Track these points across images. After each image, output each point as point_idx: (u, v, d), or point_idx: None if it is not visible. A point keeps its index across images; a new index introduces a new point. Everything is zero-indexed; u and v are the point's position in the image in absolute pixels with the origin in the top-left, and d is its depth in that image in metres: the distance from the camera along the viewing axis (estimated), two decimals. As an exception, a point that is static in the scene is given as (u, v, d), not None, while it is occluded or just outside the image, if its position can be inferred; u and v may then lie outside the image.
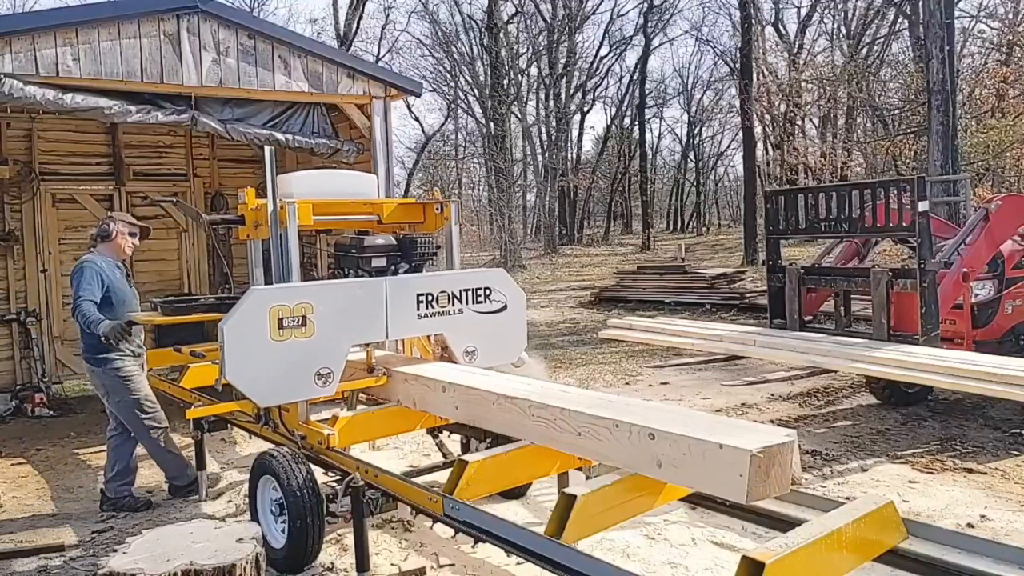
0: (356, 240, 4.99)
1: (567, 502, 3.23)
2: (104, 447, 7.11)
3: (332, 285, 4.59)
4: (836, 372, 8.24)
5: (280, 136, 7.75)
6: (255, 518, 4.45)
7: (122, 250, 5.58)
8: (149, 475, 6.32)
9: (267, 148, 4.77)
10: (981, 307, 7.14)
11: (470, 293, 4.80)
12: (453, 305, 4.74)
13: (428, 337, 5.09)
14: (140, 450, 5.65)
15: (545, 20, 35.49)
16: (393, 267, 4.92)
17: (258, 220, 4.86)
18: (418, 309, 4.61)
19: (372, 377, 4.68)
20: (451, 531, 3.82)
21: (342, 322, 4.32)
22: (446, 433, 5.36)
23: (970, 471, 5.69)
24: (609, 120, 42.86)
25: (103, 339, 5.18)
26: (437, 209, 5.20)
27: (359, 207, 5.12)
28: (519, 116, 35.93)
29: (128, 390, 5.41)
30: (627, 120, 40.90)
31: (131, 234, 5.59)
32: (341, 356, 4.35)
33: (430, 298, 4.65)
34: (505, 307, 4.95)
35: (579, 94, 39.09)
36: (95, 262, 5.36)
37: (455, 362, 4.78)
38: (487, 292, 4.86)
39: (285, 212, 4.60)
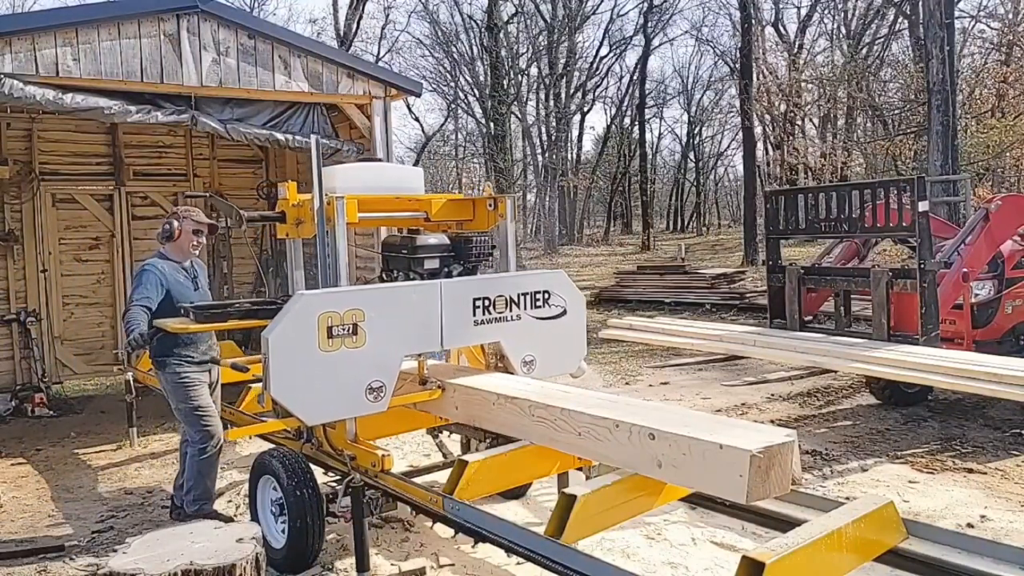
0: (407, 240, 4.64)
1: (567, 502, 3.23)
2: (103, 447, 7.16)
3: (385, 289, 4.23)
4: (836, 372, 8.24)
5: (280, 136, 7.75)
6: (255, 518, 4.45)
7: (186, 250, 5.11)
8: (149, 475, 6.33)
9: (313, 137, 4.43)
10: (981, 307, 7.14)
11: (528, 297, 4.41)
12: (511, 310, 4.34)
13: (481, 346, 4.76)
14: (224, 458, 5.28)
15: (545, 20, 35.47)
16: (446, 269, 4.61)
17: (300, 217, 4.52)
18: (474, 315, 4.21)
19: (425, 391, 4.27)
20: (451, 531, 3.82)
21: (395, 330, 3.95)
22: (446, 433, 5.35)
23: (970, 471, 5.69)
24: (609, 120, 42.82)
25: (128, 346, 4.83)
26: (490, 205, 4.84)
27: (406, 203, 4.77)
28: (519, 116, 35.91)
29: (186, 397, 4.97)
30: (627, 120, 40.86)
31: (195, 232, 5.10)
32: (394, 368, 3.98)
33: (487, 303, 4.24)
34: (564, 312, 4.56)
35: (579, 94, 39.05)
36: (156, 266, 4.95)
37: (512, 373, 4.40)
38: (546, 296, 4.48)
39: (333, 208, 4.26)
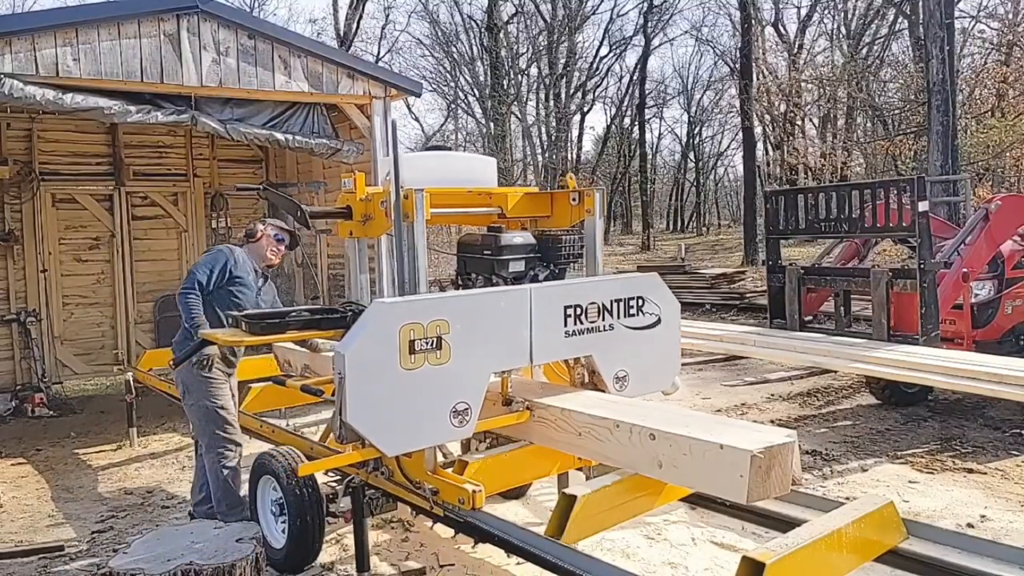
0: (490, 239, 4.17)
1: (567, 502, 3.24)
2: (103, 447, 7.16)
3: (472, 296, 3.75)
4: (836, 372, 8.23)
5: (280, 136, 7.75)
6: (255, 518, 4.44)
7: (264, 254, 4.89)
8: (149, 475, 6.33)
9: (390, 120, 4.06)
10: (981, 307, 7.14)
11: (621, 304, 3.93)
12: (603, 320, 3.86)
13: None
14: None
15: (545, 20, 35.47)
16: (532, 272, 4.17)
17: (368, 212, 4.05)
18: (565, 325, 3.74)
19: (512, 413, 3.80)
20: (451, 531, 3.82)
21: (482, 343, 3.51)
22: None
23: (970, 471, 5.69)
24: (609, 120, 42.82)
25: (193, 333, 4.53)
26: (573, 200, 4.32)
27: (478, 198, 4.30)
28: (519, 116, 35.92)
29: (209, 394, 4.69)
30: (627, 120, 40.85)
31: (278, 239, 4.89)
32: (480, 387, 3.53)
33: (579, 311, 3.77)
34: (659, 321, 4.08)
35: (579, 94, 39.04)
36: (233, 250, 4.75)
37: (603, 390, 3.96)
38: (640, 303, 4.01)
39: (411, 202, 3.76)
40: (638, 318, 4.01)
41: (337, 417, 3.29)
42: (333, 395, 3.79)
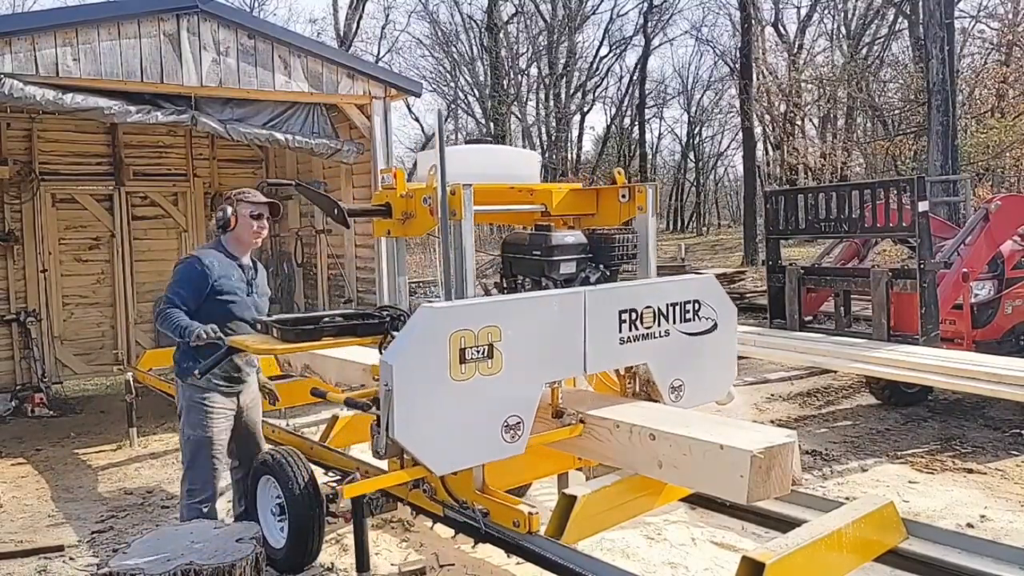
0: (540, 238, 3.93)
1: (567, 502, 3.24)
2: (103, 447, 7.16)
3: (525, 300, 3.50)
4: (836, 372, 8.23)
5: (280, 136, 7.75)
6: (255, 518, 4.44)
7: (247, 240, 4.25)
8: (149, 475, 6.32)
9: (437, 110, 3.82)
10: (981, 307, 7.15)
11: (677, 308, 3.71)
12: (659, 325, 3.64)
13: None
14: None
15: (545, 20, 35.45)
16: (582, 275, 3.94)
17: (410, 210, 3.83)
18: (620, 331, 3.52)
19: (565, 427, 3.56)
20: (451, 531, 3.82)
21: (535, 352, 3.28)
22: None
23: (970, 471, 5.69)
24: (609, 120, 42.70)
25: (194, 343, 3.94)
26: (622, 196, 4.09)
27: (520, 195, 4.07)
28: (519, 116, 35.91)
29: (200, 423, 4.21)
30: (627, 120, 40.83)
31: (255, 216, 4.21)
32: (533, 399, 3.30)
33: (634, 316, 3.55)
34: (715, 326, 3.86)
35: (579, 94, 39.01)
36: (201, 259, 4.12)
37: (658, 400, 3.73)
38: (695, 307, 3.77)
39: (458, 198, 3.54)
40: (694, 323, 3.79)
41: (383, 433, 3.06)
42: (370, 407, 3.52)
